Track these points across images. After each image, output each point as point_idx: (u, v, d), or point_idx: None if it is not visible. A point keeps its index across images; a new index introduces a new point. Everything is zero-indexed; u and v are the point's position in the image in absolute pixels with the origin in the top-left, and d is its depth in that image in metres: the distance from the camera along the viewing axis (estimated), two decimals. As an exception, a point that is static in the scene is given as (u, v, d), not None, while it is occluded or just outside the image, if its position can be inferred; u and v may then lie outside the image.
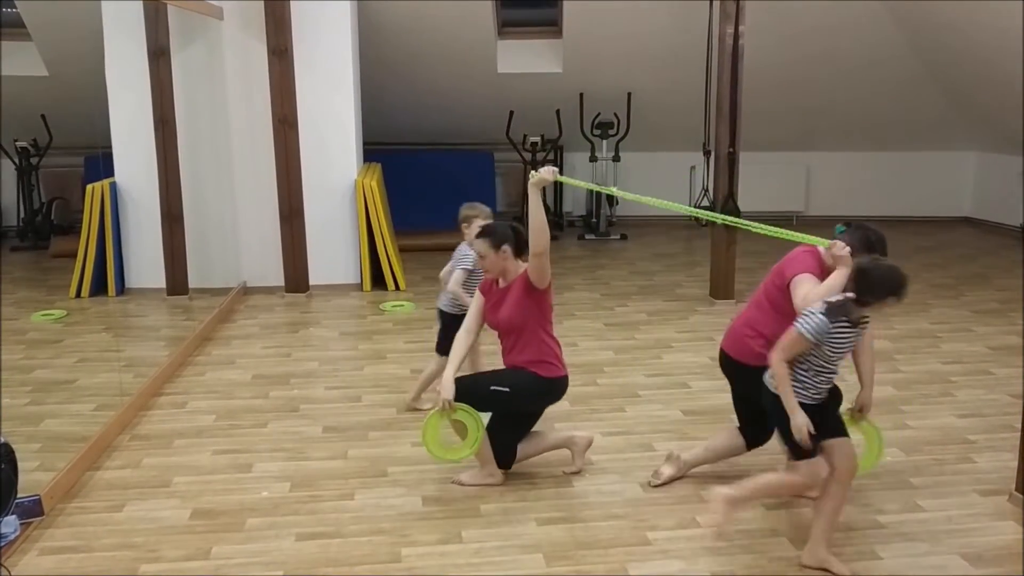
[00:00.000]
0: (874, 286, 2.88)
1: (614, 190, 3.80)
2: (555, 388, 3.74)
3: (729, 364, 3.64)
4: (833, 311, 2.95)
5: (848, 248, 3.17)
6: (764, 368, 3.24)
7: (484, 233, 3.69)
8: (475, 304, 3.81)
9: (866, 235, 3.28)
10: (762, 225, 3.55)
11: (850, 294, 2.94)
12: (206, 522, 3.45)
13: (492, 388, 3.64)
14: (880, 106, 9.27)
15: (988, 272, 7.70)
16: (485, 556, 3.21)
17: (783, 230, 3.47)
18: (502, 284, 3.73)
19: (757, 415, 3.67)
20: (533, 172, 3.58)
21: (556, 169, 3.60)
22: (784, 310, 3.35)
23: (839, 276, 3.13)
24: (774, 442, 3.48)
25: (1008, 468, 3.71)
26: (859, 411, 3.51)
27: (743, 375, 3.55)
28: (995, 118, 8.77)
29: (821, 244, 3.31)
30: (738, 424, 3.75)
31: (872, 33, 8.35)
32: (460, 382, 3.61)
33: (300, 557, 3.20)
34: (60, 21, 7.70)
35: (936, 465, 3.92)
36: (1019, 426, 3.94)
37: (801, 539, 3.28)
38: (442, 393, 3.57)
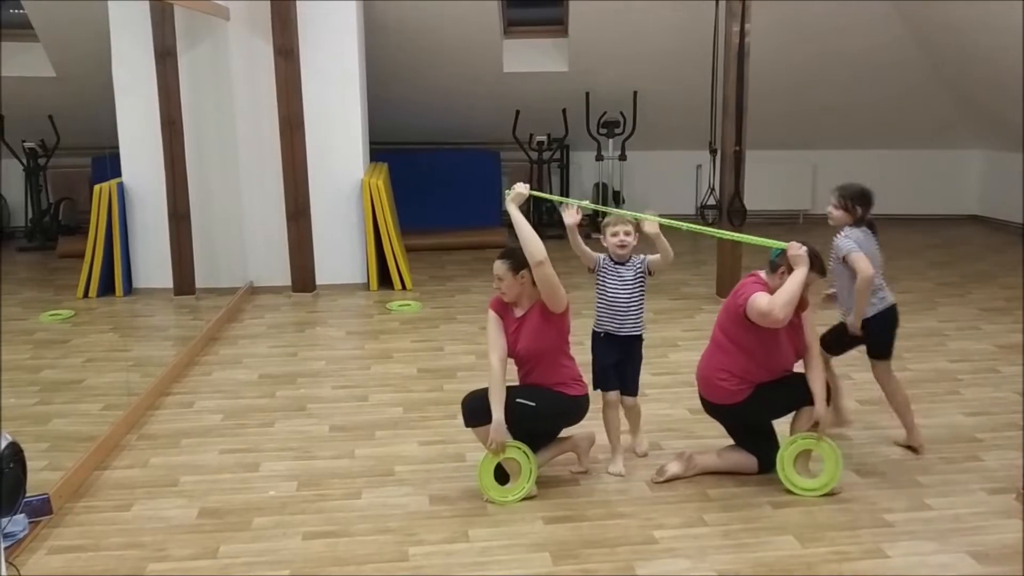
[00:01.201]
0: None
1: (585, 203, 3.91)
2: (578, 407, 3.70)
3: (712, 407, 3.81)
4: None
5: (804, 248, 3.51)
6: (744, 402, 3.61)
7: (505, 255, 3.59)
8: (497, 326, 3.62)
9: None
10: (724, 231, 4.05)
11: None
12: (213, 521, 3.46)
13: (518, 400, 3.54)
14: (887, 104, 9.23)
15: (995, 270, 7.66)
16: (491, 555, 3.21)
17: (743, 235, 4.04)
18: (517, 313, 3.61)
19: (759, 438, 3.79)
20: (507, 191, 3.65)
21: (528, 185, 3.72)
22: (744, 343, 3.61)
23: (799, 274, 3.47)
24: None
25: (1015, 466, 3.71)
26: (815, 426, 3.60)
27: (728, 412, 3.78)
28: (1002, 116, 8.73)
29: (780, 246, 3.55)
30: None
31: (879, 32, 8.33)
32: (481, 393, 3.54)
33: (307, 556, 3.21)
34: (67, 22, 7.72)
35: (943, 463, 3.91)
36: (1026, 424, 3.95)
37: (808, 536, 3.28)
38: (493, 435, 3.49)
